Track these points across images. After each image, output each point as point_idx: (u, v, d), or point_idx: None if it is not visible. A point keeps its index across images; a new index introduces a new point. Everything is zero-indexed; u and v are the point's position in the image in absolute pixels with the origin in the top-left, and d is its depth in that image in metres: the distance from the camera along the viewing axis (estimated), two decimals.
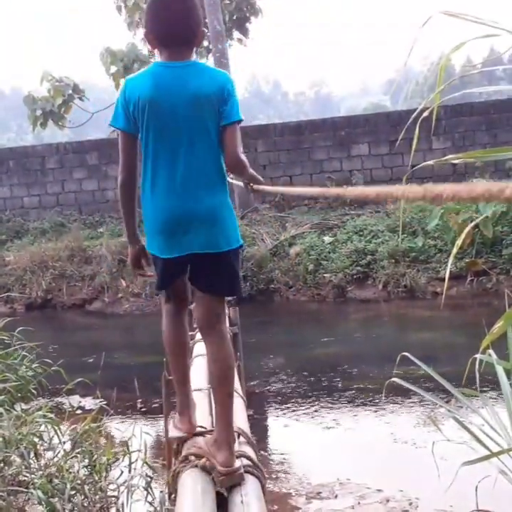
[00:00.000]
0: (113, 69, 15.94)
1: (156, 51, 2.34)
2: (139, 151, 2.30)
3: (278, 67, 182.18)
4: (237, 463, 2.06)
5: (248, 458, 2.15)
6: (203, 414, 2.44)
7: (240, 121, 2.23)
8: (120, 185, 2.38)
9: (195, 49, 2.37)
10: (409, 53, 2.27)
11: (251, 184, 2.56)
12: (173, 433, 2.37)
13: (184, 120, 2.16)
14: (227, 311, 2.64)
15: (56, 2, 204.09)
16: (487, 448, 2.75)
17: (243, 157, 2.29)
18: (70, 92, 15.99)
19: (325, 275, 10.60)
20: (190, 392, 2.51)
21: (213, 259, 2.25)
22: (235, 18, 16.34)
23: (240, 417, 2.48)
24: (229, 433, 2.10)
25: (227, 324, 2.66)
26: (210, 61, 16.77)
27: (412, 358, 3.04)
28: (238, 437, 2.28)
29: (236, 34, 16.78)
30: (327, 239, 11.30)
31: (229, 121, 2.20)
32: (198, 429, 2.27)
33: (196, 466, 2.04)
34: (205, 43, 16.64)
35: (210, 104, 2.18)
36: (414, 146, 2.26)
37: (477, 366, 2.88)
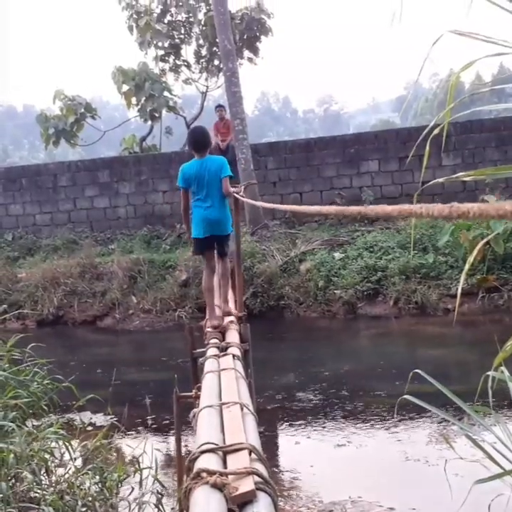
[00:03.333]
0: (125, 88, 16.14)
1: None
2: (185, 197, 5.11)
3: (287, 85, 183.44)
4: (249, 480, 2.05)
5: (260, 475, 2.14)
6: (215, 431, 2.44)
7: (229, 175, 4.90)
8: (183, 210, 5.10)
9: (208, 149, 4.97)
10: (420, 72, 2.29)
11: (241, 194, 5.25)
12: (210, 323, 4.77)
13: (207, 180, 4.84)
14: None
15: (68, 21, 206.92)
16: (500, 466, 2.72)
17: (230, 189, 4.96)
18: (82, 110, 16.20)
19: (335, 291, 10.58)
20: (215, 305, 5.03)
21: (220, 237, 5.03)
22: (245, 37, 16.51)
23: (252, 434, 2.48)
24: (226, 302, 5.13)
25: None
26: (220, 80, 16.96)
27: (425, 375, 3.03)
28: (250, 454, 2.28)
29: (246, 53, 16.94)
30: (337, 255, 11.29)
31: (223, 176, 4.87)
32: (211, 446, 2.27)
33: (207, 482, 2.03)
34: (216, 62, 16.86)
35: (216, 172, 4.85)
36: (425, 163, 2.28)
37: (490, 383, 2.86)
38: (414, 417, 5.64)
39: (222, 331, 4.63)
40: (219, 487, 1.99)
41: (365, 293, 10.41)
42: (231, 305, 5.39)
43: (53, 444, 4.44)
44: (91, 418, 6.08)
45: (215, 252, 5.13)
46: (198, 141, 4.92)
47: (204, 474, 2.07)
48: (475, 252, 2.80)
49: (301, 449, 5.41)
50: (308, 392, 6.85)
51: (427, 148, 2.50)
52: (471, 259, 2.66)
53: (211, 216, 4.84)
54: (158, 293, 11.40)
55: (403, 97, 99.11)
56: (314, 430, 5.73)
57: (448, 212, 0.83)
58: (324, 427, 5.78)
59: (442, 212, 0.85)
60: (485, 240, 3.17)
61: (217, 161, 4.91)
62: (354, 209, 1.23)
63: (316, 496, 4.34)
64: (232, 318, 5.01)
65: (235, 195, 5.10)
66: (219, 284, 5.26)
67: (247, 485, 2.04)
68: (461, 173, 2.45)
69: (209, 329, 4.68)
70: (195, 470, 2.15)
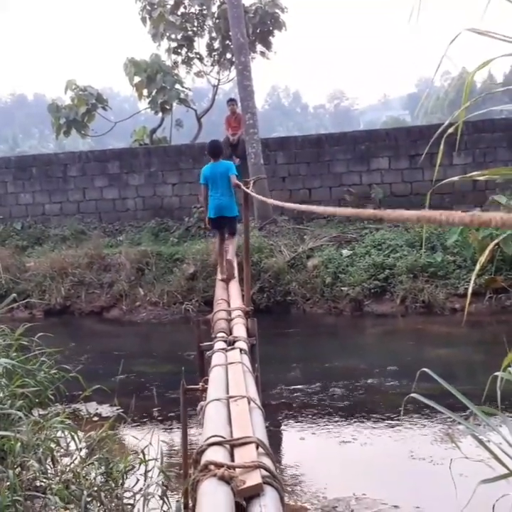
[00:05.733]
0: (136, 79, 16.13)
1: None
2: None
3: (298, 79, 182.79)
4: (256, 473, 2.06)
5: (267, 469, 2.15)
6: (223, 424, 2.45)
7: (235, 174, 6.85)
8: (204, 199, 7.12)
9: (221, 156, 7.02)
10: (436, 70, 2.28)
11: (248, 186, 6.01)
12: (220, 276, 7.03)
13: (218, 178, 6.84)
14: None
15: (81, 11, 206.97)
16: (506, 466, 2.72)
17: (236, 181, 6.64)
18: (94, 101, 16.21)
19: (342, 288, 10.57)
20: (223, 264, 7.01)
21: (229, 218, 7.05)
22: (258, 31, 16.46)
23: (259, 428, 2.48)
24: (232, 265, 6.94)
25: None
26: (232, 73, 16.93)
27: (432, 374, 3.02)
28: (257, 448, 2.29)
29: (259, 47, 16.89)
30: (345, 252, 11.28)
31: (230, 174, 6.80)
32: (218, 439, 2.28)
33: (215, 475, 2.04)
34: (228, 56, 16.82)
35: (225, 172, 6.82)
36: (439, 161, 2.27)
37: (498, 384, 2.85)
38: (419, 416, 5.64)
39: (228, 320, 4.84)
40: (226, 480, 2.00)
41: (373, 290, 10.40)
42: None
43: (59, 434, 4.46)
44: (97, 409, 6.11)
45: (226, 230, 7.19)
46: (214, 151, 7.04)
47: (212, 467, 2.08)
48: (486, 252, 2.79)
49: (306, 445, 5.42)
50: (314, 388, 6.86)
51: (441, 147, 2.49)
52: (482, 259, 2.65)
53: (221, 202, 6.94)
54: (165, 285, 11.42)
55: (414, 94, 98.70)
56: (319, 426, 5.74)
57: (469, 220, 0.81)
58: (329, 424, 5.78)
59: (463, 220, 0.83)
60: (495, 242, 3.15)
61: (225, 165, 7.02)
62: (370, 212, 1.22)
63: (320, 492, 4.36)
64: (239, 312, 5.03)
65: (242, 187, 5.98)
66: (226, 251, 7.08)
67: (254, 478, 2.05)
68: (474, 173, 2.45)
69: (219, 279, 7.07)
70: (202, 462, 2.16)
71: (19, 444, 3.88)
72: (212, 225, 7.21)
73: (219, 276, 7.07)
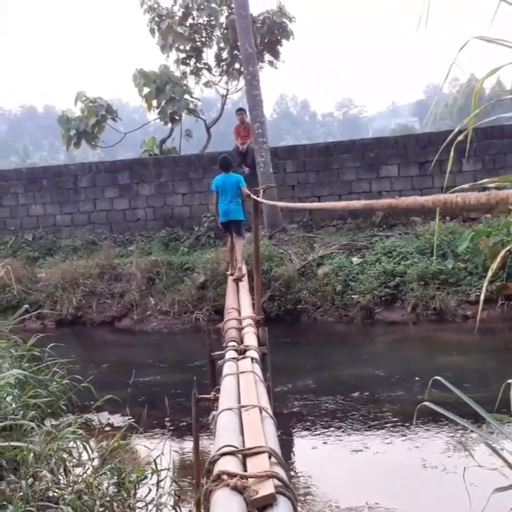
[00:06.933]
0: (146, 90, 16.22)
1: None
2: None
3: (306, 88, 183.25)
4: (269, 483, 2.06)
5: (280, 479, 2.14)
6: (235, 433, 2.45)
7: (245, 185, 8.05)
8: (215, 205, 8.31)
9: (231, 169, 8.31)
10: (446, 77, 2.29)
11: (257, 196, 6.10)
12: (231, 271, 8.28)
13: (228, 188, 8.03)
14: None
15: (89, 23, 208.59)
16: None
17: (247, 192, 7.67)
18: (103, 112, 16.31)
19: (353, 296, 10.55)
20: (234, 262, 8.15)
21: (235, 221, 8.18)
22: (266, 40, 16.53)
23: (271, 438, 2.48)
24: (242, 264, 7.99)
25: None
26: (240, 83, 17.00)
27: (445, 382, 3.01)
28: (269, 457, 2.28)
29: (267, 57, 16.95)
30: (355, 260, 11.26)
31: (240, 186, 8.01)
32: (231, 449, 2.27)
33: (228, 485, 2.04)
34: (237, 66, 16.89)
35: (234, 184, 8.04)
36: (449, 168, 2.27)
37: None
38: (432, 424, 5.60)
39: (239, 329, 4.91)
40: (239, 490, 2.00)
41: (383, 298, 10.37)
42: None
43: (71, 444, 4.47)
44: (109, 418, 6.12)
45: (234, 234, 8.29)
46: (225, 165, 8.27)
47: (224, 476, 2.07)
48: (498, 259, 2.78)
49: (318, 454, 5.39)
50: (325, 396, 6.84)
51: (452, 153, 2.49)
52: (494, 266, 2.64)
53: (228, 208, 8.11)
54: (175, 295, 11.44)
55: (423, 101, 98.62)
56: (331, 435, 5.71)
57: (486, 198, 0.81)
58: (341, 433, 5.76)
59: (480, 199, 0.82)
60: (507, 248, 3.15)
61: (235, 177, 8.26)
62: (384, 202, 1.21)
63: (332, 502, 4.33)
64: (250, 321, 5.03)
65: (253, 196, 6.28)
66: (236, 251, 8.22)
67: (267, 488, 2.05)
68: (485, 180, 2.44)
69: (229, 275, 8.27)
70: (215, 472, 2.15)
71: (32, 454, 3.89)
72: (223, 227, 8.61)
73: (229, 271, 8.42)
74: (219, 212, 8.24)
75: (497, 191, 0.83)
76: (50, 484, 3.80)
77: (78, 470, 4.26)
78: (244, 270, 8.07)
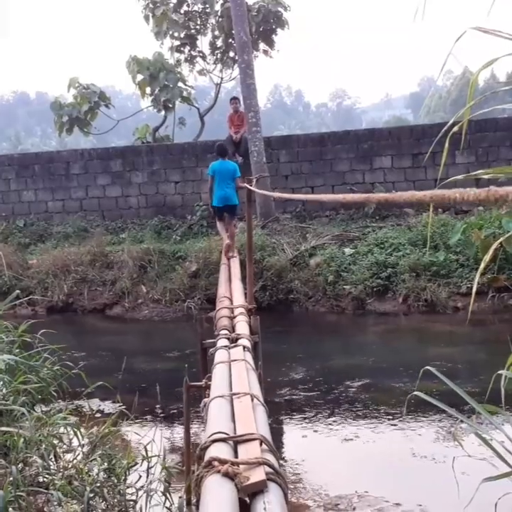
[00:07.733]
0: (139, 77, 16.13)
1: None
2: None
3: (300, 78, 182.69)
4: (260, 470, 2.07)
5: (271, 466, 2.15)
6: (226, 420, 2.46)
7: (239, 176, 8.43)
8: (209, 189, 8.71)
9: (227, 156, 8.90)
10: (441, 70, 2.28)
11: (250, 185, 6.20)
12: (225, 242, 8.46)
13: (224, 174, 8.40)
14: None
15: (83, 8, 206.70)
16: (508, 464, 2.72)
17: (241, 184, 7.82)
18: (96, 99, 16.22)
19: (345, 287, 10.57)
20: (226, 236, 8.54)
21: (232, 206, 8.60)
22: (261, 29, 16.45)
23: (262, 425, 2.49)
24: (233, 240, 8.49)
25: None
26: (235, 72, 16.92)
27: (435, 372, 3.03)
28: (261, 445, 2.29)
29: (262, 45, 16.88)
30: (348, 250, 11.28)
31: (236, 176, 8.44)
32: (222, 436, 2.28)
33: (219, 471, 2.04)
34: (231, 54, 16.81)
35: (230, 171, 8.43)
36: (444, 160, 2.27)
37: (503, 382, 2.85)
38: (422, 414, 5.64)
39: (231, 318, 4.91)
40: (230, 476, 2.00)
41: (375, 289, 10.40)
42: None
43: (62, 430, 4.48)
44: (99, 405, 6.12)
45: (227, 216, 8.67)
46: (222, 152, 8.65)
47: (216, 463, 2.08)
48: (490, 251, 2.79)
49: (308, 442, 5.42)
50: (317, 386, 6.87)
51: (446, 145, 2.50)
52: (486, 258, 2.65)
53: (226, 193, 8.43)
54: (167, 283, 11.43)
55: (417, 94, 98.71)
56: (321, 424, 5.74)
57: (485, 195, 0.81)
58: (331, 422, 5.79)
59: (479, 196, 0.82)
60: (499, 241, 3.16)
61: (231, 165, 8.65)
62: (381, 196, 1.20)
63: (322, 490, 4.36)
64: (242, 310, 5.04)
65: (246, 186, 6.26)
66: (228, 231, 8.56)
67: (258, 475, 2.05)
68: (479, 171, 2.45)
69: (225, 243, 8.49)
70: (206, 458, 2.16)
71: (22, 440, 3.90)
72: (217, 212, 8.80)
73: (224, 241, 8.57)
74: (213, 196, 8.54)
75: (496, 188, 0.83)
76: (41, 470, 3.81)
77: (68, 456, 4.27)
78: (236, 253, 8.43)
